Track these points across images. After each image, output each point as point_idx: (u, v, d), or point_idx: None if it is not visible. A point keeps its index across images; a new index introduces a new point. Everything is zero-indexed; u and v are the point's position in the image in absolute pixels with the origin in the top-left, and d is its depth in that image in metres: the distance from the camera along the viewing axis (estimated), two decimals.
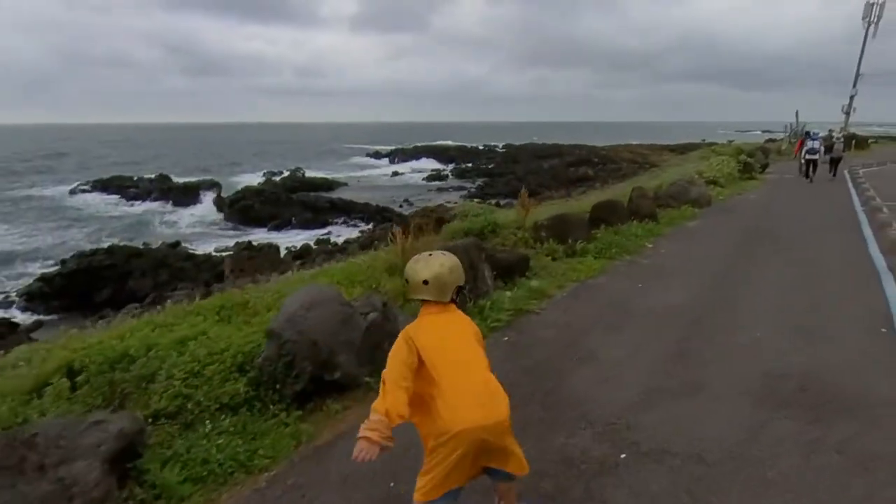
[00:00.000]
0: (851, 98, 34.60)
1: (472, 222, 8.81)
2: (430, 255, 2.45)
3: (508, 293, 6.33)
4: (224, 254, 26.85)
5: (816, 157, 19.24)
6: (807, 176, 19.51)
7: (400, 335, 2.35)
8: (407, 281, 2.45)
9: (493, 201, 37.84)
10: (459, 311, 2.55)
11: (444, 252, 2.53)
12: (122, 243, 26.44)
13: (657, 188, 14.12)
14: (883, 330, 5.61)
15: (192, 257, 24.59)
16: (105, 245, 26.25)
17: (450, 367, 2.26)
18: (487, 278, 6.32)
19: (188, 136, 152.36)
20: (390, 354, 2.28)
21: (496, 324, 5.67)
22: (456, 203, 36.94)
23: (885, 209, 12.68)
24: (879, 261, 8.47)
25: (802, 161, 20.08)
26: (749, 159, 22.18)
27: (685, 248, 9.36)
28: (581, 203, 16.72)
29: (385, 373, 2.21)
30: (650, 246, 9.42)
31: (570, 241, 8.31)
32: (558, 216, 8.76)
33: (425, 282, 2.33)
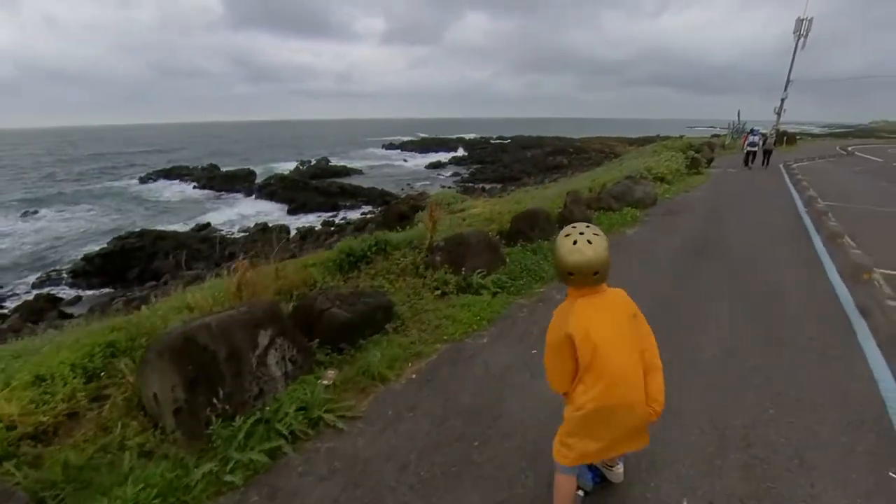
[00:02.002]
0: (782, 101, 32.68)
1: (353, 244, 5.72)
2: (589, 240, 1.81)
3: (310, 389, 3.27)
4: (242, 234, 24.55)
5: (756, 149, 19.01)
6: (746, 164, 19.17)
7: (557, 309, 1.99)
8: (563, 269, 1.85)
9: (481, 185, 34.76)
10: (612, 290, 1.98)
11: (590, 227, 1.87)
12: (153, 227, 24.33)
13: (602, 186, 10.80)
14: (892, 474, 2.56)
15: (207, 239, 22.07)
16: (156, 226, 24.67)
17: (614, 352, 1.84)
18: (273, 367, 3.34)
19: (245, 132, 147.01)
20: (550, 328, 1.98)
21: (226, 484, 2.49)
22: (449, 188, 33.86)
23: (830, 214, 9.34)
24: (843, 293, 5.30)
25: (746, 151, 19.50)
26: (696, 154, 18.42)
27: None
28: (546, 192, 13.47)
29: None
30: None
31: (464, 269, 5.22)
32: (455, 237, 5.54)
33: (595, 273, 1.84)
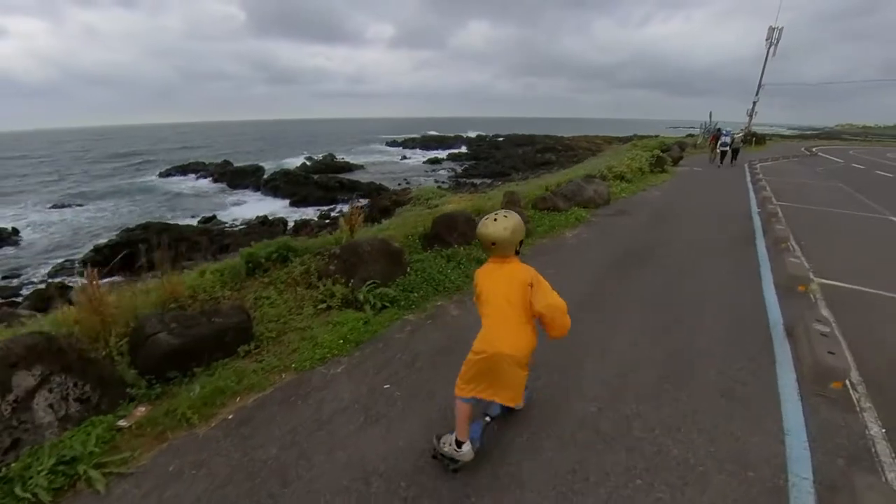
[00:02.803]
0: (754, 103, 32.52)
1: (256, 249, 4.78)
2: (496, 219, 2.11)
3: (93, 434, 2.39)
4: (242, 226, 23.76)
5: (727, 148, 18.55)
6: (721, 162, 18.69)
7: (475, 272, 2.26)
8: (479, 240, 2.17)
9: (471, 181, 33.52)
10: (517, 262, 2.18)
11: (508, 213, 2.14)
12: (162, 219, 23.68)
13: (557, 185, 9.74)
14: None
15: (206, 231, 21.25)
16: (166, 218, 24.05)
17: (494, 306, 2.11)
18: (42, 412, 2.43)
19: (264, 130, 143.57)
20: None
21: None
22: (443, 183, 32.69)
23: (780, 215, 8.28)
24: (773, 309, 4.30)
25: (718, 151, 18.94)
26: (662, 154, 17.15)
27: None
28: (524, 187, 12.36)
29: None
30: None
31: (352, 281, 4.27)
32: (349, 244, 4.56)
33: (493, 243, 2.10)
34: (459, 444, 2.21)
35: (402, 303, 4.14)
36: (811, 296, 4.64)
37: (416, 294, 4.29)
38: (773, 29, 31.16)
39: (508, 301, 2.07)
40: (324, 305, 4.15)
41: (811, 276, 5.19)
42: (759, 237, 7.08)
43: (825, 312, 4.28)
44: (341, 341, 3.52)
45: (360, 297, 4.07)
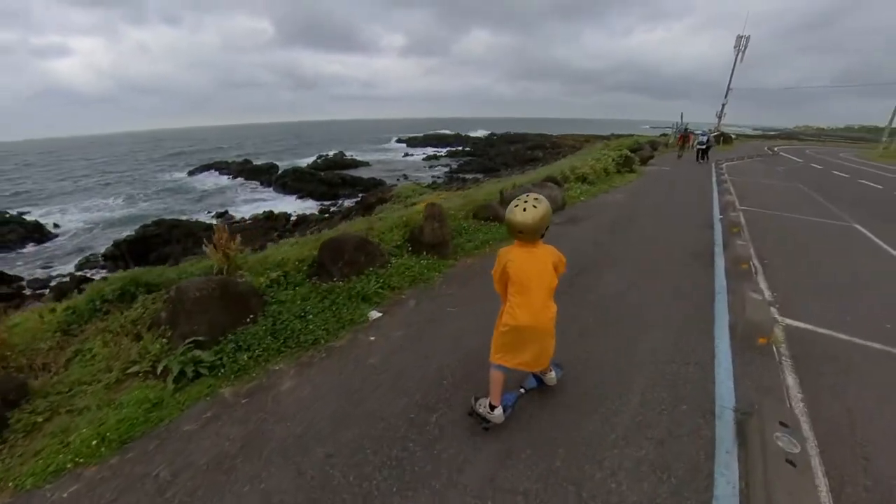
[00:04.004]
0: (723, 106, 31.20)
1: (104, 287, 3.35)
2: (525, 209, 1.92)
3: None
4: (248, 221, 22.43)
5: (704, 147, 17.69)
6: (698, 159, 17.67)
7: (498, 254, 2.09)
8: (507, 226, 2.00)
9: (462, 176, 31.58)
10: (543, 245, 2.06)
11: (537, 203, 1.94)
12: (183, 213, 22.62)
13: (511, 187, 8.11)
14: None
15: (210, 227, 19.97)
16: (184, 213, 23.33)
17: (525, 285, 1.99)
18: None
19: (287, 131, 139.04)
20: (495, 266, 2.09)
21: None
22: (437, 178, 30.85)
23: (742, 223, 6.64)
24: (725, 382, 2.76)
25: (696, 149, 18.02)
26: (631, 153, 15.20)
27: (413, 335, 3.12)
28: (503, 184, 10.60)
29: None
30: (367, 323, 3.29)
31: (171, 335, 2.83)
32: (180, 285, 3.04)
33: (520, 231, 1.94)
34: (493, 407, 2.18)
35: (223, 371, 2.67)
36: (774, 353, 3.10)
37: (249, 354, 2.80)
38: (741, 37, 30.17)
39: (539, 280, 2.00)
40: (135, 370, 2.72)
41: (775, 315, 3.64)
42: (717, 254, 5.43)
43: (790, 380, 2.77)
44: (97, 441, 2.09)
45: (168, 363, 2.62)
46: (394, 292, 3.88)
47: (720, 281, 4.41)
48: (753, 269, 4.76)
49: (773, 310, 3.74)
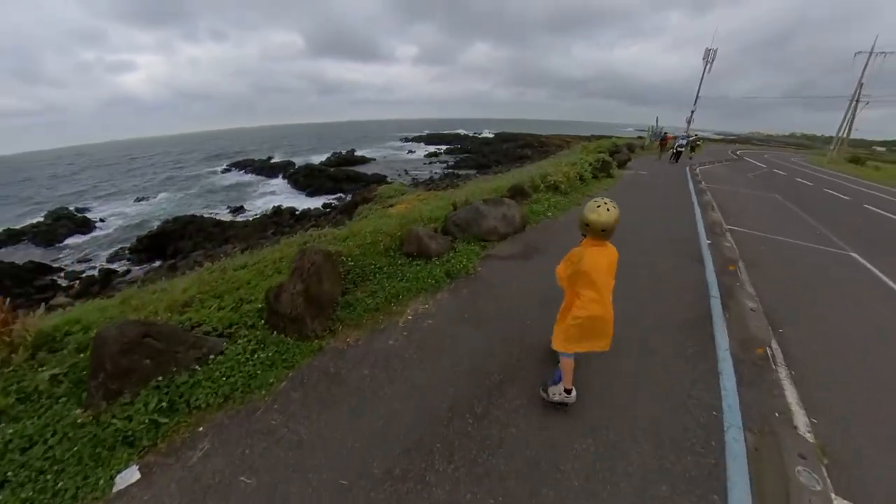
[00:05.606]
0: (692, 112, 28.67)
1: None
2: (608, 209, 1.80)
3: None
4: (256, 216, 20.25)
5: (682, 149, 17.27)
6: (670, 160, 16.66)
7: (572, 251, 1.95)
8: (586, 224, 1.83)
9: (456, 171, 28.91)
10: (610, 245, 1.93)
11: (611, 203, 1.84)
12: (207, 208, 20.62)
13: (465, 202, 5.82)
14: None
15: (219, 223, 17.90)
16: (206, 209, 21.44)
17: (596, 280, 1.85)
18: None
19: (311, 131, 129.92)
20: (564, 260, 2.00)
21: None
22: (435, 173, 28.25)
23: (737, 257, 4.52)
24: None
25: (674, 151, 17.14)
26: (608, 158, 12.58)
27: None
28: (487, 185, 8.23)
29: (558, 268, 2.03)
30: (104, 499, 1.32)
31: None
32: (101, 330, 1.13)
33: (603, 230, 1.80)
34: (569, 391, 2.13)
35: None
36: None
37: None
38: (709, 50, 27.58)
39: (607, 276, 1.91)
40: None
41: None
42: (718, 323, 3.22)
43: None
44: None
45: None
46: (185, 421, 1.91)
47: (731, 398, 2.32)
48: (771, 358, 2.73)
49: (823, 480, 1.75)
